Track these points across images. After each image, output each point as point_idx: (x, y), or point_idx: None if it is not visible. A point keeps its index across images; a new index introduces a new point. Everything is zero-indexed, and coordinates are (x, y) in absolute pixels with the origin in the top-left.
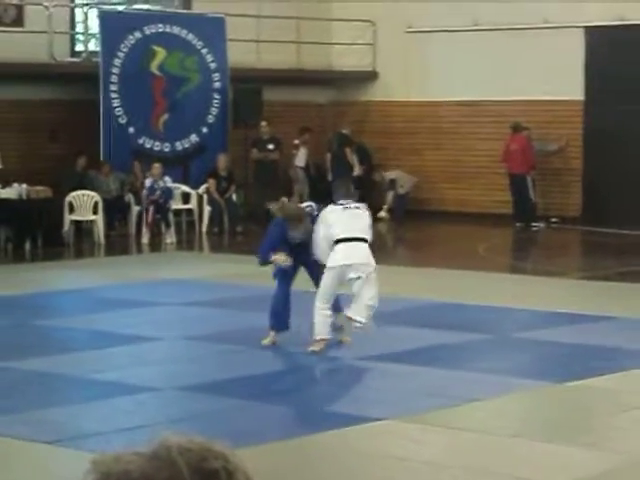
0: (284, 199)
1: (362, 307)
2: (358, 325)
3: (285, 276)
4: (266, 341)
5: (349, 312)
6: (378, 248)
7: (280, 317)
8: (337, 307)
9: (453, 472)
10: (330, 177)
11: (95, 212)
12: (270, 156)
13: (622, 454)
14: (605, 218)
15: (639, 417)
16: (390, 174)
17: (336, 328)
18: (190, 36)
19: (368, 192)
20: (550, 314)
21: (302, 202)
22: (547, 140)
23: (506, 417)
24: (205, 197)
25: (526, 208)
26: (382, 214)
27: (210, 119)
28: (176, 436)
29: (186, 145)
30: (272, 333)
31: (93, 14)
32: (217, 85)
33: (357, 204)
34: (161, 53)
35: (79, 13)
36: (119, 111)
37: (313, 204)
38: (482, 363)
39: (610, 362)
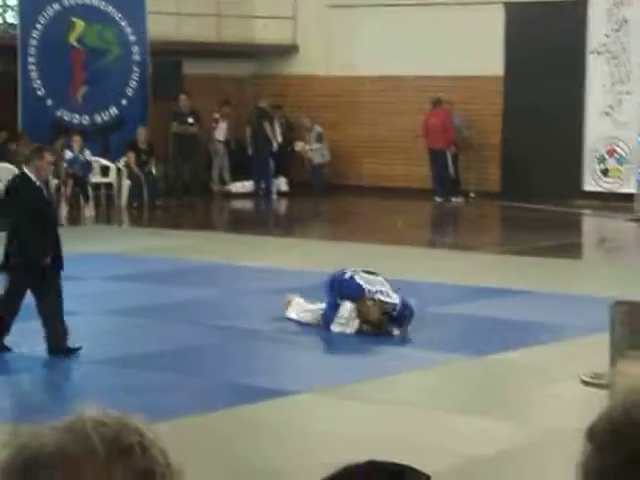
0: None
1: None
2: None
3: None
4: None
5: None
6: (296, 222)
7: None
8: None
9: (372, 445)
10: (250, 151)
11: None
12: (190, 130)
13: (540, 426)
14: (523, 193)
15: (556, 390)
16: (319, 128)
17: None
18: (109, 8)
19: (288, 165)
20: (468, 288)
21: (224, 179)
22: (465, 123)
23: (425, 390)
24: (124, 170)
25: (445, 183)
26: (303, 146)
27: (129, 92)
28: (92, 410)
29: (105, 118)
30: None
31: None
32: (136, 58)
33: None
34: (80, 25)
35: None
36: (37, 83)
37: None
38: (401, 337)
39: (527, 336)
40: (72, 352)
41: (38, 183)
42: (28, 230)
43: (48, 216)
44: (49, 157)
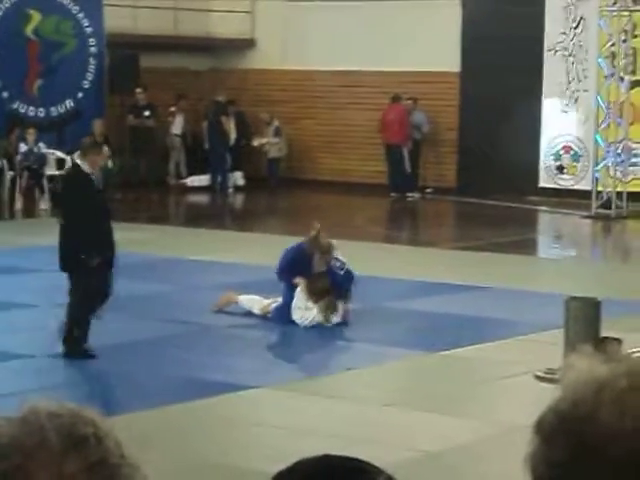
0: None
1: None
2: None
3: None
4: None
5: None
6: (252, 216)
7: None
8: None
9: (326, 440)
10: (206, 145)
11: None
12: (146, 123)
13: (493, 422)
14: (479, 189)
15: (510, 386)
16: (277, 122)
17: None
18: (66, 0)
19: (244, 159)
20: (423, 284)
21: (180, 173)
22: (428, 119)
23: (379, 386)
24: None
25: (402, 178)
26: (262, 141)
27: (86, 84)
28: (46, 402)
29: (61, 110)
30: None
31: None
32: (93, 50)
33: None
34: (36, 17)
35: None
36: None
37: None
38: (355, 332)
39: (482, 332)
40: (87, 356)
41: (93, 176)
42: (86, 224)
43: (103, 207)
44: (105, 152)
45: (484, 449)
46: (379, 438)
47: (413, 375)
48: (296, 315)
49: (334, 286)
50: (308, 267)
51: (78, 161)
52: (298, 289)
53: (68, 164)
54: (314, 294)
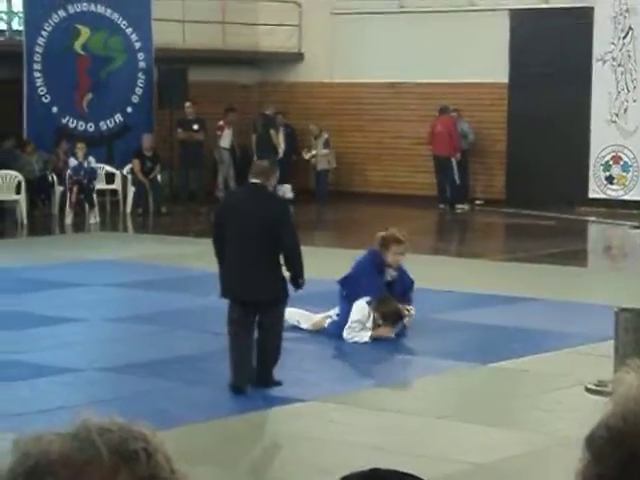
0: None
1: None
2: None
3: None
4: None
5: None
6: (300, 228)
7: None
8: None
9: (377, 453)
10: (255, 158)
11: (18, 192)
12: (195, 137)
13: (544, 435)
14: (528, 201)
15: (560, 398)
16: (326, 134)
17: None
18: (115, 15)
19: (293, 172)
20: (473, 296)
21: (229, 186)
22: (472, 129)
23: (430, 398)
24: (129, 177)
25: (451, 190)
26: (312, 153)
27: (135, 99)
28: (97, 417)
29: (110, 125)
30: None
31: None
32: (142, 65)
33: None
34: (85, 32)
35: None
36: (42, 90)
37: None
38: (406, 344)
39: (531, 343)
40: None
41: None
42: (298, 247)
43: None
44: None
45: (534, 461)
46: (429, 451)
47: (463, 387)
48: (349, 331)
49: (405, 292)
50: (379, 277)
51: (265, 184)
52: (357, 304)
53: (224, 186)
54: (385, 317)
